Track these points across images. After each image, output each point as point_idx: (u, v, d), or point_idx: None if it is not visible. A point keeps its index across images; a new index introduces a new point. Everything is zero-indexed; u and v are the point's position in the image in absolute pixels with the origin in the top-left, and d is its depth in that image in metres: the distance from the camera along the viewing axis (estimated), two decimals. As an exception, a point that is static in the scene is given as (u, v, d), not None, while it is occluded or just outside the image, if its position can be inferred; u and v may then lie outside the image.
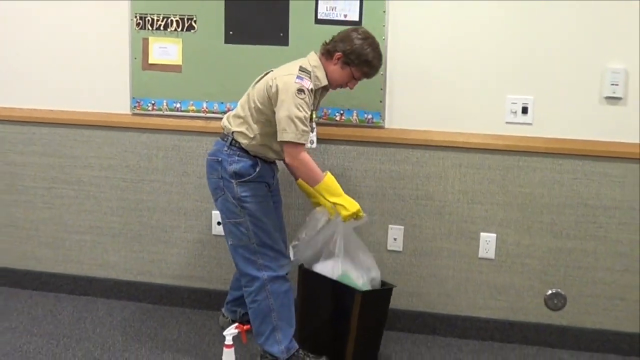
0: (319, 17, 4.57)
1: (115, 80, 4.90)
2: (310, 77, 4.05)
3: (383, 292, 4.28)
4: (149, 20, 4.77)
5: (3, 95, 5.16)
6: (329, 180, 4.03)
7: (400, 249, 4.72)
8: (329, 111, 4.64)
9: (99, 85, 4.96)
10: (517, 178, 4.51)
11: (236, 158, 4.10)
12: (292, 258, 4.18)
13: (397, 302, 4.67)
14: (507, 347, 4.61)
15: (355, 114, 4.63)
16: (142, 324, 4.80)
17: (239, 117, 4.11)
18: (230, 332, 3.89)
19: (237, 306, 4.58)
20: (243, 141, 4.08)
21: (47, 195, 5.18)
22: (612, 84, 4.29)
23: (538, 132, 4.45)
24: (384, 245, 4.73)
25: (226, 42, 4.70)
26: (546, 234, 4.53)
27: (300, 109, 3.94)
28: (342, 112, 4.63)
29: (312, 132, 4.16)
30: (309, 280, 4.38)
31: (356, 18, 4.53)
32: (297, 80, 3.98)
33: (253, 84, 4.17)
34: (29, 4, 5.00)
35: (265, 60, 4.62)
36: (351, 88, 4.20)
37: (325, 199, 4.03)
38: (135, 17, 4.79)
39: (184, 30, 4.74)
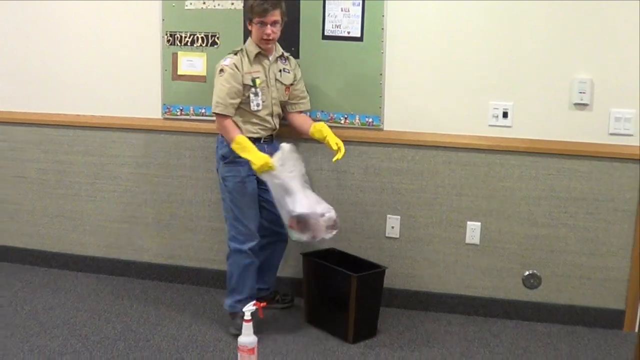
0: (326, 33, 4.80)
1: (148, 89, 5.14)
2: (235, 54, 4.44)
3: (376, 274, 4.56)
4: (178, 37, 5.02)
5: (53, 103, 5.42)
6: (239, 139, 4.34)
7: (397, 236, 4.94)
8: (335, 115, 4.86)
9: (135, 94, 5.20)
10: (498, 174, 4.72)
11: (224, 143, 4.49)
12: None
13: (394, 282, 4.94)
14: (489, 321, 4.82)
15: (357, 118, 4.86)
16: (172, 301, 5.06)
17: None
18: (249, 308, 3.99)
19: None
20: None
21: (90, 190, 5.45)
22: (580, 92, 4.51)
23: (517, 133, 4.66)
24: (382, 232, 4.95)
25: None
26: (524, 222, 4.74)
27: (220, 84, 4.40)
28: (346, 116, 4.86)
29: (256, 96, 4.47)
30: (311, 267, 4.71)
31: (358, 34, 4.74)
32: (221, 63, 4.45)
33: None
34: (76, 25, 5.27)
35: None
36: (269, 34, 4.37)
37: (240, 154, 4.36)
38: (166, 34, 5.04)
39: (208, 45, 4.97)
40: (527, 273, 4.84)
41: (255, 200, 4.59)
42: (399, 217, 4.96)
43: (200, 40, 5.02)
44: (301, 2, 4.82)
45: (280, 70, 4.58)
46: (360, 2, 4.75)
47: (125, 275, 5.42)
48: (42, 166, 5.56)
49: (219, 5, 4.95)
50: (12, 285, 5.33)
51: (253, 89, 4.45)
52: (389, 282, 4.80)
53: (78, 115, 5.39)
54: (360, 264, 4.67)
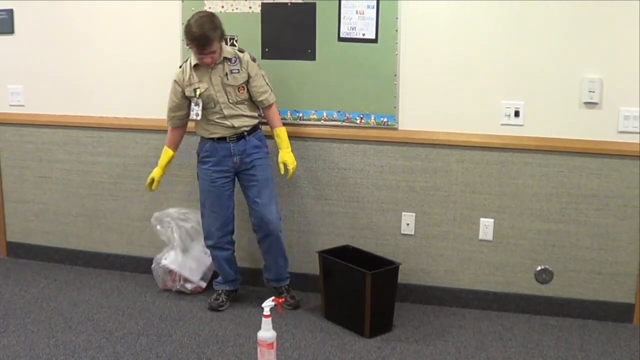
0: (341, 35, 4.86)
1: (168, 91, 4.86)
2: (179, 68, 4.70)
3: (390, 270, 4.62)
4: None
5: (78, 105, 5.51)
6: (163, 150, 4.86)
7: (412, 233, 5.00)
8: (351, 115, 4.93)
9: (155, 96, 5.17)
10: (510, 171, 4.77)
11: (200, 142, 4.84)
12: None
13: (410, 278, 5.01)
14: (503, 315, 4.88)
15: (373, 118, 4.92)
16: (193, 297, 5.09)
17: None
18: (268, 304, 4.00)
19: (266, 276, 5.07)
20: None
21: (113, 189, 5.54)
22: (590, 91, 4.56)
23: (528, 132, 4.71)
24: (398, 229, 5.01)
25: (262, 57, 4.96)
26: (536, 219, 4.80)
27: (169, 97, 4.75)
28: (361, 116, 4.92)
29: (197, 106, 4.65)
30: (328, 265, 4.77)
31: (373, 36, 4.80)
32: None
33: None
34: (99, 29, 5.35)
35: (295, 72, 4.96)
36: (207, 63, 4.52)
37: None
38: None
39: None
40: (539, 268, 4.89)
41: (221, 202, 4.81)
42: (413, 214, 5.01)
43: None
44: (317, 5, 4.87)
45: (226, 74, 4.63)
46: (375, 4, 4.80)
47: (147, 272, 5.40)
48: (67, 167, 5.64)
49: (237, 8, 5.01)
50: (38, 282, 5.41)
51: (194, 99, 4.64)
52: (404, 277, 4.87)
53: (102, 117, 5.48)
54: (375, 260, 4.73)
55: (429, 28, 4.80)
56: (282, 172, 4.76)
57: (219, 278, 5.02)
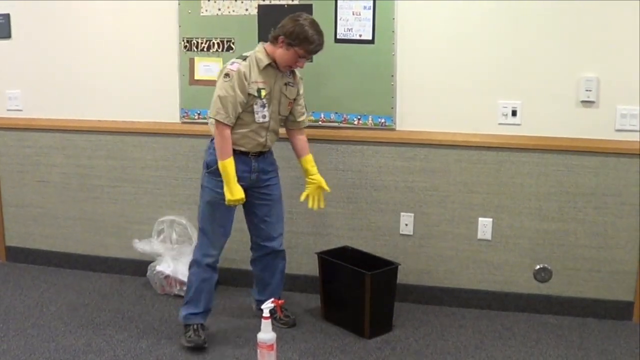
0: (338, 36, 4.84)
1: (166, 94, 5.21)
2: (244, 60, 4.21)
3: (389, 271, 4.60)
4: (194, 43, 5.09)
5: (76, 109, 5.51)
6: (227, 163, 4.16)
7: (411, 233, 5.00)
8: (348, 116, 4.92)
9: (153, 99, 5.28)
10: (509, 171, 4.78)
11: (211, 150, 4.33)
12: None
13: (409, 278, 5.01)
14: (502, 315, 4.88)
15: (370, 119, 4.91)
16: None
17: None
18: (267, 305, 4.02)
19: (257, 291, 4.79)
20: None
21: (112, 192, 5.53)
22: (587, 90, 4.57)
23: (526, 131, 4.72)
24: (397, 230, 5.02)
25: None
26: (534, 218, 4.80)
27: (224, 90, 4.15)
28: (359, 117, 4.92)
29: (263, 108, 4.26)
30: (327, 266, 4.76)
31: (370, 37, 4.79)
32: (228, 66, 4.20)
33: None
34: (96, 32, 5.36)
35: None
36: (301, 67, 4.32)
37: (222, 174, 4.19)
38: (183, 40, 5.10)
39: (224, 50, 5.03)
40: (538, 267, 4.90)
41: (230, 217, 4.44)
42: (412, 214, 5.01)
43: (216, 46, 5.08)
44: (314, 6, 4.86)
45: (285, 84, 4.38)
46: (372, 5, 4.79)
47: (147, 275, 5.35)
48: (65, 170, 5.64)
49: (233, 11, 5.01)
50: (38, 287, 5.41)
51: (259, 100, 4.26)
52: (403, 278, 4.88)
53: (100, 120, 5.47)
54: (374, 261, 4.72)
55: (425, 29, 4.80)
56: (314, 204, 4.60)
57: (193, 308, 4.48)
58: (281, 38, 4.22)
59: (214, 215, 4.40)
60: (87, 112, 5.53)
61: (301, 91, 4.53)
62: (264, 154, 4.46)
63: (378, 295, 4.52)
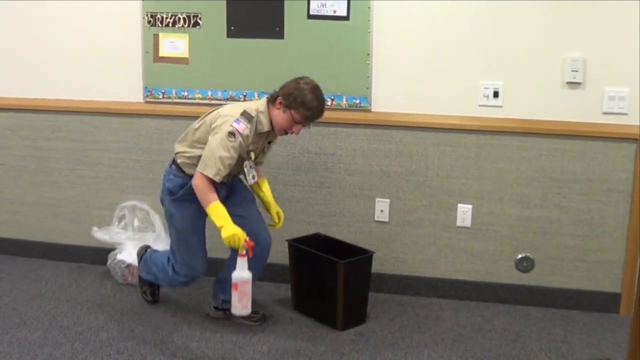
0: (311, 12, 4.78)
1: (129, 72, 5.12)
2: (250, 122, 4.08)
3: (364, 260, 4.55)
4: (158, 18, 4.99)
5: (31, 87, 5.38)
6: (217, 205, 4.02)
7: (387, 220, 4.96)
8: None
9: (115, 77, 5.18)
10: (489, 155, 4.73)
11: (171, 177, 4.30)
12: None
13: (384, 267, 4.96)
14: (482, 306, 4.84)
15: (344, 99, 4.85)
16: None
17: (183, 141, 4.26)
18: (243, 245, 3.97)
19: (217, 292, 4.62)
20: (180, 161, 4.23)
21: (70, 176, 5.42)
22: (573, 70, 4.51)
23: (508, 113, 4.67)
24: (372, 216, 4.97)
25: (228, 36, 4.90)
26: (516, 205, 4.76)
27: (227, 150, 4.01)
28: (332, 97, 4.83)
29: (253, 168, 4.23)
30: (297, 254, 4.71)
31: (344, 13, 4.72)
32: (234, 123, 4.04)
33: (200, 119, 4.25)
34: (52, 6, 5.22)
35: (262, 52, 4.88)
36: (296, 133, 4.21)
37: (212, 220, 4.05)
38: (147, 15, 5.00)
39: (190, 26, 4.95)
40: (519, 256, 4.85)
41: (203, 232, 4.40)
42: (388, 200, 4.96)
43: (182, 21, 5.00)
44: (286, -20, 4.78)
45: (269, 142, 4.39)
46: (347, -21, 4.72)
47: (107, 264, 5.22)
48: (21, 152, 5.52)
49: (200, -17, 4.95)
50: (-8, 276, 5.32)
51: (247, 163, 4.23)
52: (378, 267, 4.82)
53: (57, 99, 5.37)
54: (348, 249, 4.66)
55: (403, 5, 4.73)
56: (277, 222, 4.49)
57: (155, 281, 4.69)
58: (279, 99, 4.15)
59: (190, 239, 4.37)
60: (44, 90, 5.40)
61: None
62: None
63: (351, 285, 4.46)
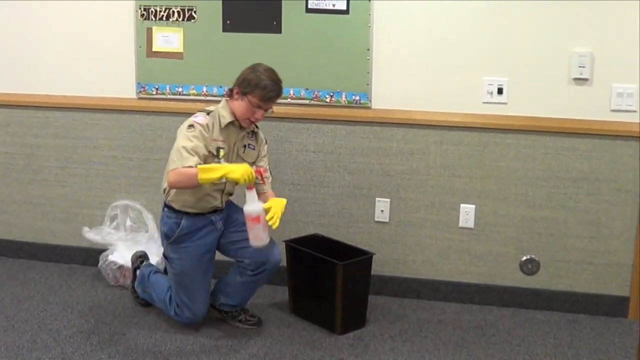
0: (310, 6, 4.73)
1: (122, 67, 5.06)
2: (208, 115, 4.10)
3: (364, 261, 4.50)
4: (152, 11, 4.93)
5: (20, 82, 5.32)
6: (201, 168, 3.87)
7: (387, 220, 4.90)
8: (320, 93, 4.81)
9: (108, 72, 5.12)
10: (493, 153, 4.68)
11: (165, 219, 4.25)
12: None
13: (384, 269, 4.90)
14: (485, 309, 4.79)
15: (344, 96, 4.79)
16: None
17: (164, 178, 4.15)
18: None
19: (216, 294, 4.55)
20: (168, 199, 4.18)
21: (60, 174, 5.36)
22: (579, 66, 4.45)
23: (512, 111, 4.61)
24: (371, 216, 4.91)
25: (224, 30, 4.86)
26: (521, 205, 4.70)
27: (188, 139, 3.97)
28: (332, 94, 4.80)
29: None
30: (295, 255, 4.65)
31: (344, 7, 4.67)
32: (191, 118, 4.09)
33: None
34: (45, 4, 5.17)
35: (259, 47, 4.81)
36: (258, 119, 4.14)
37: (214, 181, 3.91)
38: (140, 8, 4.95)
39: (185, 20, 4.90)
40: (524, 258, 4.79)
41: (207, 276, 4.37)
42: (388, 200, 4.91)
43: (176, 15, 4.95)
44: (284, -27, 4.78)
45: (245, 146, 4.27)
46: (346, -28, 4.74)
47: (98, 265, 5.15)
48: (9, 150, 5.46)
49: (195, -24, 4.94)
50: (-22, 278, 5.29)
51: (216, 160, 4.10)
52: (378, 269, 4.78)
53: (48, 95, 5.31)
54: (347, 250, 4.61)
55: None
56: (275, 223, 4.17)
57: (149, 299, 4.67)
58: (235, 89, 4.15)
59: (188, 286, 4.32)
60: (33, 86, 5.35)
61: (263, 154, 4.42)
62: (218, 210, 4.34)
63: (351, 287, 4.41)
